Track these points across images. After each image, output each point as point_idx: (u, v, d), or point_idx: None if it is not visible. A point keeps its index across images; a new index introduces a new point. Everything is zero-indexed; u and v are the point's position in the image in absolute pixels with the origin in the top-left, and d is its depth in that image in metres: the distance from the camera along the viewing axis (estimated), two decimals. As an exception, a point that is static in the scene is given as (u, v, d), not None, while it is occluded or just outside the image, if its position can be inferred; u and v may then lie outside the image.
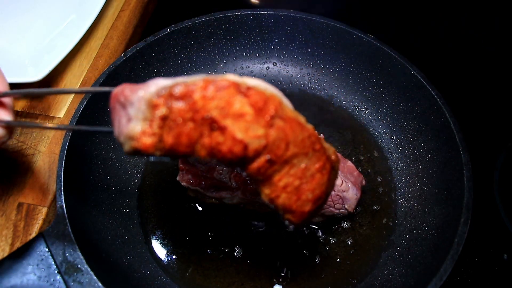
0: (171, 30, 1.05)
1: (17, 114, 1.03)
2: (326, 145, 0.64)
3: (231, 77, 0.56)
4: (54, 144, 0.99)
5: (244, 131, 0.54)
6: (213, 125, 0.54)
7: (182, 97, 0.53)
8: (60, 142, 0.98)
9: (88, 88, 1.04)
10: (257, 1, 1.42)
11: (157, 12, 1.34)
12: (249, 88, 0.55)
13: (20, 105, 1.04)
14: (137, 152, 0.54)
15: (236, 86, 0.55)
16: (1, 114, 0.70)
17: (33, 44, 1.11)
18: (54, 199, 0.92)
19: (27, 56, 1.07)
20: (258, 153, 0.56)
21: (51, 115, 1.03)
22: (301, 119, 0.60)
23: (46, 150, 0.98)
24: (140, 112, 0.53)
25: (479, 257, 0.97)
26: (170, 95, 0.53)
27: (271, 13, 1.10)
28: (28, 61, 1.06)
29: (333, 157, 0.64)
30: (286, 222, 0.64)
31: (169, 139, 0.53)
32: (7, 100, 0.71)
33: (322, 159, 0.62)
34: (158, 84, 0.54)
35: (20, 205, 0.91)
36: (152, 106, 0.52)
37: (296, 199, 0.61)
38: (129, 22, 1.22)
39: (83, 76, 1.10)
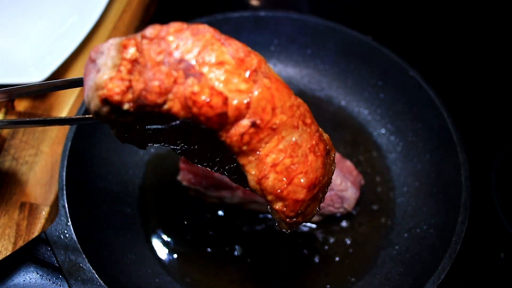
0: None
1: (19, 114, 1.04)
2: (321, 129, 0.59)
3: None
4: (57, 144, 1.00)
5: (224, 82, 0.48)
6: (188, 71, 0.47)
7: (154, 38, 0.48)
8: (62, 142, 0.99)
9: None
10: (257, 3, 1.43)
11: (158, 14, 1.34)
12: (228, 38, 0.50)
13: (23, 105, 1.05)
14: (105, 105, 0.48)
15: (215, 34, 0.49)
16: None
17: (36, 45, 1.11)
18: (57, 199, 0.93)
19: (29, 57, 1.08)
20: (240, 114, 0.49)
21: (54, 115, 1.04)
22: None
23: (48, 150, 0.99)
24: (109, 58, 0.48)
25: (477, 256, 0.97)
26: (142, 37, 0.48)
27: (271, 15, 1.11)
28: (31, 62, 1.07)
29: (328, 141, 0.59)
30: (276, 220, 0.57)
31: (138, 85, 0.47)
32: None
33: (314, 137, 0.56)
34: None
35: (22, 204, 0.92)
36: (122, 48, 0.48)
37: (287, 182, 0.54)
38: (130, 24, 1.23)
39: (85, 77, 1.11)
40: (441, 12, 1.39)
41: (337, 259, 0.93)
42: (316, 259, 0.93)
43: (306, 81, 1.17)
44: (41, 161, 0.98)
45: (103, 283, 0.75)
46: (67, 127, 1.00)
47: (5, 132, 1.01)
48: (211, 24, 1.08)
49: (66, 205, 0.82)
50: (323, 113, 1.13)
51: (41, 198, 0.93)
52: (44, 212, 0.91)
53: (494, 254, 0.98)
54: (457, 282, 0.93)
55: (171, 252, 0.93)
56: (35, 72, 1.03)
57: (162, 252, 0.93)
